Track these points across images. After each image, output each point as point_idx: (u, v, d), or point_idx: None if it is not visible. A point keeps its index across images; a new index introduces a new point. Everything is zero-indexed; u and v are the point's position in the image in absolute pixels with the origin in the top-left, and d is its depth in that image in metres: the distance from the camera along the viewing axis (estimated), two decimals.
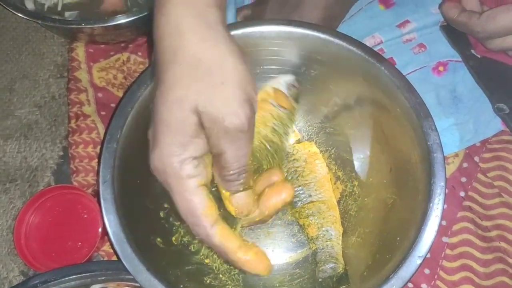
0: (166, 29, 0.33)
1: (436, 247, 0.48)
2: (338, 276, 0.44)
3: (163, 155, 0.32)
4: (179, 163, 0.32)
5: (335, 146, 0.51)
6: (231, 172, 0.33)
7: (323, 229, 0.46)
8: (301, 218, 0.47)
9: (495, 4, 0.52)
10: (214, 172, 0.35)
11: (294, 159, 0.48)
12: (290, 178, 0.48)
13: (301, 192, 0.47)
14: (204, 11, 0.32)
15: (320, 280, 0.44)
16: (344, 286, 0.44)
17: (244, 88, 0.32)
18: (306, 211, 0.46)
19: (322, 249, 0.45)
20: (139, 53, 0.60)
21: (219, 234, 0.33)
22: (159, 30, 0.33)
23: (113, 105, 0.57)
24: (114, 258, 0.50)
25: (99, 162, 0.43)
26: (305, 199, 0.47)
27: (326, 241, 0.45)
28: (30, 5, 0.58)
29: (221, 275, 0.47)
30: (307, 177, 0.47)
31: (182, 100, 0.31)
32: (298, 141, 0.50)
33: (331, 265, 0.44)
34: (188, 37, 0.32)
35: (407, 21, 0.60)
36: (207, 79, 0.31)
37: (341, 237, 0.46)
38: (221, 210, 0.35)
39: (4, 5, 0.54)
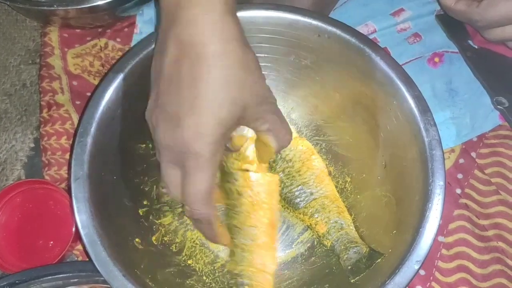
0: None
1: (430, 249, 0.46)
2: (366, 256, 0.42)
3: (202, 134, 0.33)
4: (216, 148, 0.34)
5: (326, 140, 0.49)
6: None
7: (331, 221, 0.44)
8: (306, 218, 0.45)
9: None
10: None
11: (289, 160, 0.46)
12: (287, 179, 0.45)
13: (301, 191, 0.45)
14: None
15: (349, 268, 0.42)
16: (379, 260, 0.41)
17: None
18: (311, 210, 0.44)
19: (338, 240, 0.44)
20: (118, 39, 0.56)
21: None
22: None
23: (89, 93, 0.53)
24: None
25: (70, 158, 0.39)
26: (307, 198, 0.45)
27: (339, 231, 0.44)
28: None
29: (204, 277, 0.44)
30: (304, 175, 0.45)
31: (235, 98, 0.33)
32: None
33: (354, 250, 0.43)
34: None
35: (402, 9, 0.58)
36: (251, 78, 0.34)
37: (352, 224, 0.44)
38: None
39: None
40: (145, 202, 0.45)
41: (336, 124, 0.48)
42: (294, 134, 0.46)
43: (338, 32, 0.43)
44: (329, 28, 0.44)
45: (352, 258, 0.42)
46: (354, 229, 0.44)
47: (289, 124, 0.46)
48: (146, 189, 0.45)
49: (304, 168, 0.45)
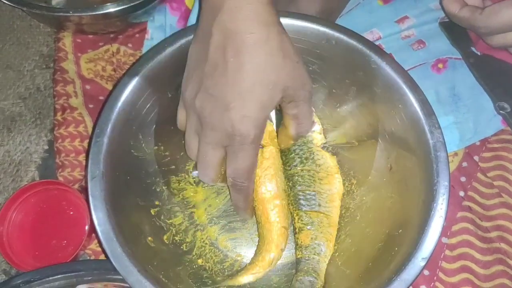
0: None
1: (435, 248, 0.46)
2: None
3: (249, 117, 0.36)
4: (260, 130, 0.38)
5: (332, 143, 0.50)
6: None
7: (316, 241, 0.44)
8: (298, 221, 0.45)
9: None
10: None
11: (318, 165, 0.46)
12: (308, 179, 0.46)
13: (313, 197, 0.45)
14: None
15: None
16: None
17: None
18: (307, 218, 0.44)
19: (307, 260, 0.44)
20: (129, 45, 0.58)
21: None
22: None
23: (101, 97, 0.55)
24: (101, 257, 0.48)
25: (87, 157, 0.41)
26: (313, 206, 0.45)
27: (314, 254, 0.44)
28: None
29: (214, 276, 0.45)
30: (323, 186, 0.45)
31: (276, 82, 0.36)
32: (323, 146, 0.48)
33: (311, 279, 0.43)
34: None
35: (406, 17, 0.59)
36: (290, 63, 0.37)
37: (329, 257, 0.44)
38: None
39: None
40: (156, 203, 0.46)
41: (342, 127, 0.49)
42: (327, 151, 0.48)
43: (345, 38, 0.45)
44: (336, 34, 0.45)
45: (304, 284, 0.42)
46: (326, 263, 0.44)
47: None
48: (158, 189, 0.47)
49: (326, 180, 0.46)
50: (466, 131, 0.52)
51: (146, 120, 0.45)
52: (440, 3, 0.56)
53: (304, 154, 0.46)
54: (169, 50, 0.44)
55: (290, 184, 0.46)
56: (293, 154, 0.46)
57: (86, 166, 0.40)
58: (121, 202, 0.41)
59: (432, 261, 0.47)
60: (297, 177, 0.46)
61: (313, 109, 0.46)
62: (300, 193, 0.45)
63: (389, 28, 0.58)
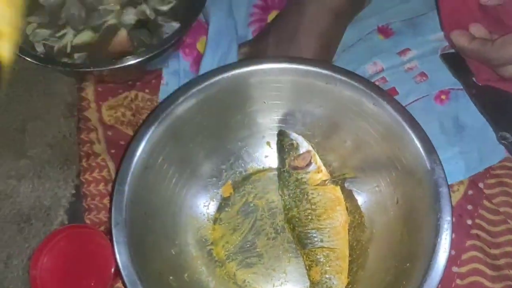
0: None
1: (446, 277, 0.47)
2: None
3: None
4: None
5: (342, 178, 0.52)
6: None
7: (326, 276, 0.46)
8: (306, 260, 0.47)
9: (504, 32, 0.50)
10: None
11: (313, 203, 0.48)
12: (305, 219, 0.48)
13: (314, 235, 0.47)
14: None
15: None
16: None
17: None
18: (313, 255, 0.47)
19: None
20: (146, 90, 0.62)
21: None
22: None
23: (122, 142, 0.58)
24: None
25: (111, 202, 0.44)
26: (316, 243, 0.47)
27: None
28: (40, 48, 0.59)
29: None
30: (323, 222, 0.47)
31: None
32: (323, 183, 0.49)
33: None
34: None
35: (407, 49, 0.61)
36: None
37: None
38: None
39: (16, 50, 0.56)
40: (176, 242, 0.49)
41: (351, 163, 0.52)
42: (328, 181, 0.50)
43: (347, 80, 0.47)
44: (339, 76, 0.48)
45: None
46: None
47: (324, 168, 0.50)
48: (177, 229, 0.50)
49: (325, 216, 0.47)
50: (472, 161, 0.53)
51: (163, 166, 0.48)
52: (445, 36, 0.58)
53: (297, 197, 0.49)
54: (182, 99, 0.48)
55: (291, 227, 0.49)
56: (288, 198, 0.49)
57: (110, 211, 0.43)
58: (144, 244, 0.44)
59: None
60: (294, 220, 0.49)
61: (312, 148, 0.49)
62: (301, 233, 0.48)
63: (391, 59, 0.60)
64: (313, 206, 0.48)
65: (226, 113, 0.51)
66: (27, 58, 0.55)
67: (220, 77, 0.48)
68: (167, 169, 0.49)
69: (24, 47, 0.56)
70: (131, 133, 0.59)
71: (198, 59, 0.62)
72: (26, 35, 0.59)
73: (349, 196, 0.52)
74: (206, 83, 0.48)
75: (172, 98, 0.47)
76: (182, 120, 0.48)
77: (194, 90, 0.48)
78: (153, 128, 0.46)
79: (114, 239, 0.42)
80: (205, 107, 0.49)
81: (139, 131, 0.46)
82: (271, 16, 0.65)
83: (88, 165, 0.56)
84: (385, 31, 0.63)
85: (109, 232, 0.52)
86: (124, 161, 0.45)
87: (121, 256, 0.41)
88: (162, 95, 0.61)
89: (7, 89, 0.62)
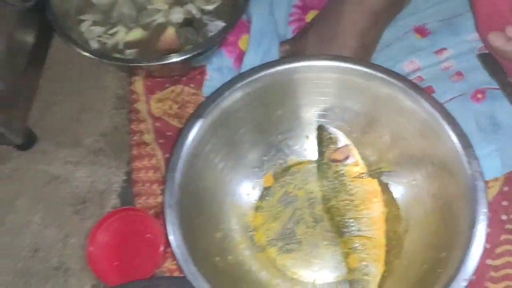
0: None
1: (480, 270, 0.50)
2: None
3: None
4: None
5: (379, 172, 0.54)
6: None
7: (363, 263, 0.48)
8: (344, 248, 0.49)
9: None
10: None
11: (351, 194, 0.50)
12: (344, 209, 0.50)
13: (351, 224, 0.49)
14: None
15: None
16: None
17: None
18: (350, 243, 0.49)
19: (357, 281, 0.48)
20: (192, 85, 0.65)
21: None
22: None
23: (169, 133, 0.62)
24: (175, 274, 0.54)
25: (164, 188, 0.47)
26: (353, 232, 0.49)
27: (363, 275, 0.48)
28: (94, 45, 0.64)
29: None
30: (360, 212, 0.49)
31: None
32: (360, 176, 0.51)
33: None
34: None
35: (444, 49, 0.62)
36: None
37: (379, 276, 0.48)
38: None
39: (73, 45, 0.60)
40: (221, 227, 0.52)
41: (387, 158, 0.54)
42: (365, 174, 0.52)
43: (386, 77, 0.49)
44: (379, 74, 0.50)
45: None
46: (377, 283, 0.47)
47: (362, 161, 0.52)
48: (223, 215, 0.53)
49: (362, 206, 0.49)
50: (507, 158, 0.54)
51: (210, 155, 0.52)
52: (480, 36, 0.59)
53: (336, 188, 0.52)
54: (227, 93, 0.50)
55: (330, 216, 0.51)
56: (327, 189, 0.52)
57: (163, 195, 0.47)
58: (192, 227, 0.48)
59: (478, 282, 0.50)
60: (333, 209, 0.51)
61: (350, 142, 0.51)
62: (340, 222, 0.50)
63: (428, 58, 0.61)
64: (351, 197, 0.51)
65: (268, 108, 0.54)
66: (85, 53, 0.58)
67: (263, 73, 0.51)
68: (213, 157, 0.52)
69: (80, 43, 0.60)
70: (177, 124, 0.62)
71: (240, 56, 0.65)
72: (80, 32, 0.64)
73: (385, 189, 0.53)
74: (250, 79, 0.51)
75: (218, 92, 0.50)
76: (227, 113, 0.51)
77: (239, 85, 0.51)
78: (201, 119, 0.49)
79: (167, 220, 0.45)
80: (248, 102, 0.52)
81: (188, 122, 0.50)
82: (309, 16, 0.68)
83: (139, 154, 0.60)
84: (421, 31, 0.64)
85: (157, 216, 0.56)
86: (175, 149, 0.48)
87: (175, 236, 0.44)
88: (206, 89, 0.64)
89: (64, 82, 0.67)
